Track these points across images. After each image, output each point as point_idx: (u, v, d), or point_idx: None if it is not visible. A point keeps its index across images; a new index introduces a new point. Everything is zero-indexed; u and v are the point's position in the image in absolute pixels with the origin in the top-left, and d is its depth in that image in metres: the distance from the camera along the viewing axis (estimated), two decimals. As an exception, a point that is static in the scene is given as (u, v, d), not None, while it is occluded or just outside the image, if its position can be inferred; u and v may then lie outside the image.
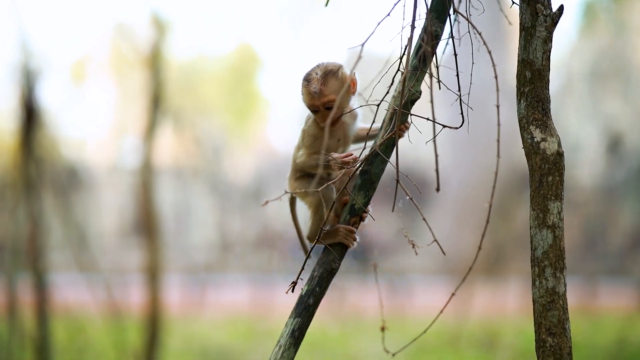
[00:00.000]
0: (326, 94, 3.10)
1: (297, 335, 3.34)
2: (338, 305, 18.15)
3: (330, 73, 3.11)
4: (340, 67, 3.16)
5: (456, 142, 22.61)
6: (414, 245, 3.25)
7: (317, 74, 3.10)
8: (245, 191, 31.53)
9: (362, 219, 3.37)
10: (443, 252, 3.25)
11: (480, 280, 15.62)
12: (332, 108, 3.10)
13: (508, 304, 17.11)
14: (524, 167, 14.48)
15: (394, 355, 3.55)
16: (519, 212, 15.92)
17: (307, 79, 3.12)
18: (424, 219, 3.27)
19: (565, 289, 3.24)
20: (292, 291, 3.31)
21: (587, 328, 14.51)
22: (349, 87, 3.18)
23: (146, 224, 10.29)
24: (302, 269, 3.33)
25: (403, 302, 18.62)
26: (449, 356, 14.95)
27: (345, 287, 18.49)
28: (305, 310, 3.33)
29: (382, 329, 3.66)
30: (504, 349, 15.03)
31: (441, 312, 3.51)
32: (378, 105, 3.23)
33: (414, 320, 17.20)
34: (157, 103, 9.90)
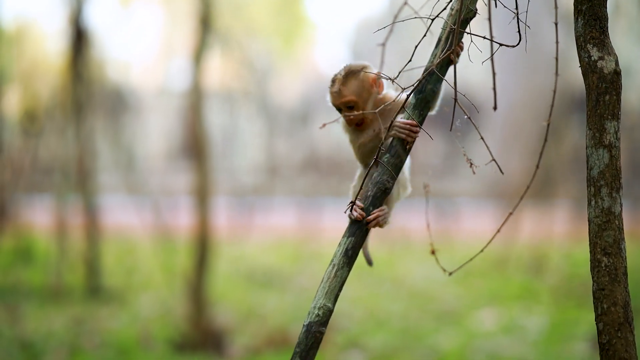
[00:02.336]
0: (345, 94, 3.14)
1: (350, 255, 3.34)
2: (386, 228, 18.17)
3: (351, 73, 3.15)
4: (363, 67, 3.19)
5: (502, 65, 22.29)
6: (471, 164, 3.21)
7: (340, 74, 3.15)
8: (292, 114, 31.53)
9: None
10: (501, 171, 3.24)
11: (528, 204, 15.55)
12: (354, 108, 3.18)
13: (556, 229, 17.05)
14: (573, 89, 14.32)
15: (450, 274, 3.55)
16: (568, 136, 15.78)
17: (332, 80, 3.17)
18: (481, 138, 3.25)
19: (621, 209, 3.23)
20: (350, 211, 3.30)
21: (634, 250, 14.45)
22: (371, 87, 3.21)
23: (194, 147, 10.32)
24: (361, 188, 3.32)
25: (450, 226, 18.64)
26: (496, 280, 14.98)
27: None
28: (358, 230, 3.32)
29: (432, 252, 3.65)
30: (551, 273, 15.01)
31: (498, 230, 3.50)
32: (432, 19, 3.19)
33: (462, 243, 17.18)
34: (205, 24, 9.85)
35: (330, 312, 3.27)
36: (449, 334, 11.09)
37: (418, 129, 3.18)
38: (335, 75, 3.20)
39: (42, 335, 10.01)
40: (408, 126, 3.18)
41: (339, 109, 3.21)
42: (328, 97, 3.21)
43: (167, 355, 9.42)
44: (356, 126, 3.22)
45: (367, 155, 3.28)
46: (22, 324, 10.57)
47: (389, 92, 3.36)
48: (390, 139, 3.17)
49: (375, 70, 3.30)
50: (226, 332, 10.05)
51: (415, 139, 3.19)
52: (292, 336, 9.85)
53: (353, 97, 3.17)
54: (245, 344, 10.04)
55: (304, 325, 3.24)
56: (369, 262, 3.69)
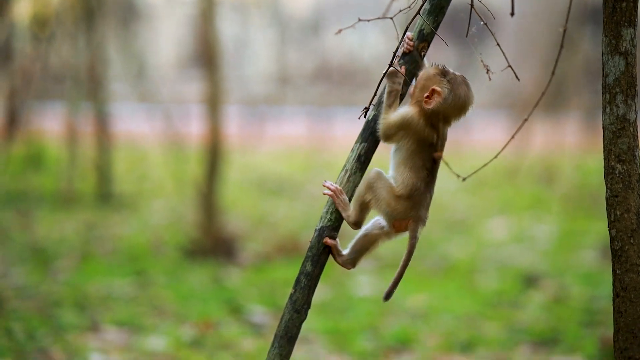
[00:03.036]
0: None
1: (362, 160, 3.24)
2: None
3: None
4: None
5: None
6: (488, 70, 3.09)
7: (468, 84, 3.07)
8: (303, 23, 31.14)
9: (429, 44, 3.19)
10: (517, 78, 3.14)
11: (540, 116, 15.39)
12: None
13: (567, 139, 16.92)
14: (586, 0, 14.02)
15: (464, 180, 3.44)
16: (581, 47, 15.53)
17: (469, 85, 3.08)
18: (497, 44, 3.14)
19: (636, 117, 3.17)
20: (365, 117, 3.18)
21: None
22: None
23: (206, 56, 10.14)
24: (375, 94, 3.18)
25: (460, 137, 18.50)
26: (507, 190, 14.92)
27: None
28: (371, 136, 3.20)
29: (440, 157, 3.52)
30: (562, 183, 14.92)
31: (513, 136, 3.39)
32: None
33: (473, 153, 17.06)
34: None
35: (340, 218, 3.19)
36: (460, 242, 11.08)
37: (411, 41, 3.05)
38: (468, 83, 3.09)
39: (53, 241, 10.00)
40: (407, 39, 3.07)
41: (445, 118, 3.03)
42: (465, 92, 3.05)
43: (178, 261, 9.40)
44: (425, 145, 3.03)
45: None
46: (34, 230, 10.56)
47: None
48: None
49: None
50: (237, 239, 10.02)
51: (412, 47, 3.06)
52: (303, 243, 9.81)
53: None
54: (256, 251, 10.02)
55: (316, 229, 3.17)
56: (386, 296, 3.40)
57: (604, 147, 3.20)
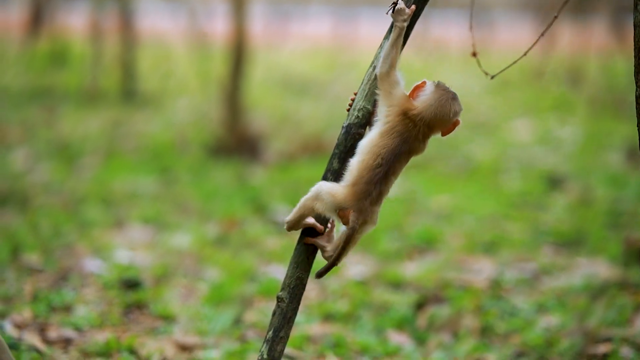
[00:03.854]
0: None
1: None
2: (421, 37, 17.80)
3: (459, 106, 2.99)
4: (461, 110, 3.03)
5: None
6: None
7: (454, 94, 2.98)
8: None
9: None
10: None
11: (566, 18, 15.05)
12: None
13: (593, 41, 16.58)
14: None
15: (492, 77, 3.29)
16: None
17: (446, 89, 2.97)
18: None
19: None
20: (393, 12, 3.02)
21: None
22: (451, 127, 3.00)
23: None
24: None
25: (486, 37, 18.16)
26: (532, 91, 14.69)
27: (428, 19, 18.03)
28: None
29: (474, 55, 3.37)
30: (588, 85, 14.66)
31: (542, 34, 3.23)
32: None
33: (498, 54, 16.74)
34: None
35: (369, 113, 3.07)
36: (484, 144, 10.94)
37: None
38: (456, 95, 2.99)
39: (78, 138, 9.94)
40: None
41: (426, 122, 2.90)
42: (434, 89, 2.92)
43: (202, 159, 9.33)
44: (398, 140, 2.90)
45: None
46: (59, 126, 10.50)
47: None
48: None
49: None
50: (261, 137, 9.92)
51: None
52: (327, 142, 9.70)
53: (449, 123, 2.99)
54: (280, 150, 9.93)
55: (343, 126, 3.05)
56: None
57: (634, 45, 3.05)
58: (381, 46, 3.08)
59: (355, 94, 3.10)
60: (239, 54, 9.68)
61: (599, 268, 6.26)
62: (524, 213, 7.79)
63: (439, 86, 3.00)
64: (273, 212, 7.45)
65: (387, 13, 3.02)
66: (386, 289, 5.66)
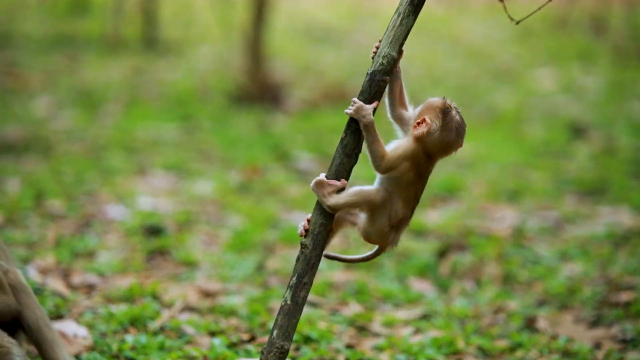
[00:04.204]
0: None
1: (416, 4, 3.02)
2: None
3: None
4: None
5: None
6: None
7: (464, 128, 2.99)
8: None
9: None
10: None
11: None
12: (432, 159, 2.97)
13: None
14: None
15: (517, 23, 3.21)
16: None
17: (462, 132, 2.98)
18: None
19: None
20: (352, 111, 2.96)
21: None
22: None
23: None
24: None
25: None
26: (555, 40, 14.50)
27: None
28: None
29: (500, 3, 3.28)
30: (612, 33, 14.43)
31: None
32: None
33: (521, 2, 16.51)
34: None
35: (394, 60, 3.01)
36: (507, 92, 10.82)
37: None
38: (464, 126, 2.99)
39: (100, 86, 9.89)
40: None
41: (430, 153, 2.91)
42: (445, 138, 2.90)
43: (225, 107, 9.28)
44: (419, 177, 2.92)
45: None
46: (81, 74, 10.46)
47: None
48: None
49: None
50: (283, 86, 9.84)
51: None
52: (349, 91, 9.62)
53: None
54: (302, 98, 9.86)
55: (367, 73, 2.99)
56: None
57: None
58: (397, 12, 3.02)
59: (380, 42, 3.04)
60: (261, 2, 9.58)
61: (621, 216, 6.20)
62: (547, 162, 7.71)
63: (450, 126, 2.97)
64: (295, 159, 7.41)
65: (345, 112, 2.96)
66: (409, 236, 5.63)
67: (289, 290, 2.91)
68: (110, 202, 5.98)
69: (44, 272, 4.58)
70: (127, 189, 6.33)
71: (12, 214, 5.51)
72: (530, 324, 4.21)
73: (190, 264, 4.94)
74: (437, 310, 4.38)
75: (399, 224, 2.99)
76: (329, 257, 3.07)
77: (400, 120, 3.04)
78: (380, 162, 2.93)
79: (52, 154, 7.10)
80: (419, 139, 2.93)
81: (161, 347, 3.55)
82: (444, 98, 2.99)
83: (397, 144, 2.97)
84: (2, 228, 5.16)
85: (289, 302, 2.90)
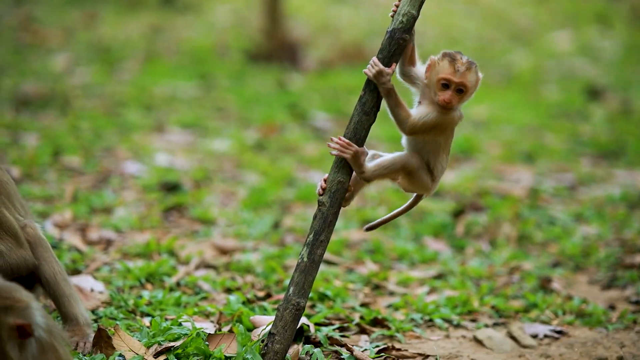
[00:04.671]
0: (468, 78, 2.96)
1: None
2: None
3: (474, 65, 2.99)
4: (477, 65, 3.02)
5: None
6: None
7: (462, 58, 2.98)
8: None
9: None
10: None
11: None
12: (463, 92, 2.96)
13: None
14: None
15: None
16: None
17: (453, 57, 2.97)
18: None
19: None
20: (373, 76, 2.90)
21: None
22: (476, 87, 3.02)
23: None
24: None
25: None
26: (572, 2, 14.32)
27: None
28: None
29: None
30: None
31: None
32: None
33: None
34: None
35: (414, 19, 2.95)
36: (523, 54, 10.72)
37: None
38: (455, 55, 2.98)
39: (118, 42, 9.84)
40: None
41: (446, 84, 2.91)
42: (438, 68, 2.90)
43: (242, 65, 9.22)
44: (444, 108, 2.91)
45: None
46: (99, 30, 10.40)
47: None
48: None
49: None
50: (300, 44, 9.77)
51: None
52: (367, 50, 9.54)
53: (469, 85, 2.97)
54: (320, 57, 9.78)
55: (387, 31, 2.93)
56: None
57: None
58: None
59: (400, 0, 2.98)
60: None
61: (637, 179, 6.14)
62: (563, 124, 7.64)
63: (449, 58, 2.93)
64: (312, 118, 7.35)
65: (364, 72, 2.92)
66: (424, 196, 5.58)
67: (305, 248, 2.88)
68: (128, 159, 5.96)
69: (61, 227, 4.57)
70: (144, 146, 6.30)
71: (30, 169, 5.49)
72: (544, 285, 4.18)
73: (207, 221, 4.91)
74: (452, 270, 4.34)
75: (440, 177, 3.06)
76: (371, 228, 3.17)
77: (409, 77, 3.02)
78: (405, 125, 2.95)
79: (69, 109, 7.07)
80: (441, 105, 2.92)
81: (177, 303, 3.53)
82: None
83: (422, 111, 2.95)
84: (20, 182, 5.15)
85: (305, 259, 2.87)
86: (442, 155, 3.02)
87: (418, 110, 2.96)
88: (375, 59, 2.92)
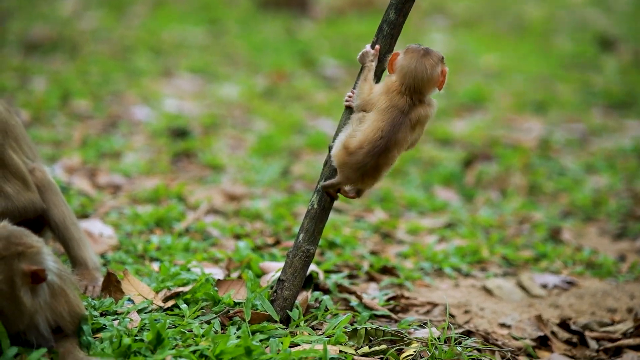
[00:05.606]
0: (431, 74, 2.81)
1: None
2: None
3: (436, 57, 2.85)
4: (442, 58, 2.89)
5: None
6: None
7: (433, 53, 2.84)
8: None
9: None
10: None
11: None
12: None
13: None
14: None
15: None
16: None
17: (423, 49, 2.86)
18: None
19: None
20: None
21: None
22: (439, 81, 2.85)
23: None
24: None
25: None
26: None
27: None
28: None
29: None
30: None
31: None
32: None
33: None
34: None
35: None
36: (535, 3, 10.59)
37: None
38: (427, 49, 2.86)
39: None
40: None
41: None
42: (403, 56, 2.78)
43: (252, 11, 9.13)
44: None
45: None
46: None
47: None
48: None
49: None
50: (310, -9, 9.66)
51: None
52: (377, -2, 9.43)
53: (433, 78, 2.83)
54: (330, 4, 9.68)
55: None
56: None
57: None
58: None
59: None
60: None
61: (649, 130, 6.09)
62: (575, 74, 7.56)
63: (408, 51, 2.84)
64: (322, 66, 7.28)
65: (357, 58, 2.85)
66: (435, 145, 5.54)
67: (315, 195, 2.84)
68: (136, 104, 5.91)
69: (70, 171, 4.54)
70: (153, 91, 6.25)
71: (38, 113, 5.45)
72: (554, 235, 4.15)
73: (216, 167, 4.88)
74: (462, 219, 4.31)
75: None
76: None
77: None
78: (356, 104, 2.81)
79: (78, 53, 7.01)
80: (392, 78, 2.82)
81: (186, 249, 3.51)
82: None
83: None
84: (29, 126, 5.11)
85: (315, 206, 2.84)
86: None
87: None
88: (367, 46, 2.86)
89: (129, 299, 2.83)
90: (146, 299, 2.83)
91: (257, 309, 2.75)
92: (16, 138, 3.00)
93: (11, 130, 2.98)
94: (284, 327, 2.71)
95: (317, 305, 2.97)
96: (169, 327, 2.56)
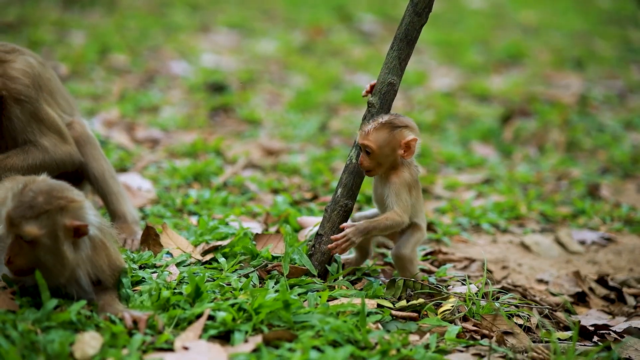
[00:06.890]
0: (370, 139, 2.76)
1: None
2: None
3: (388, 125, 2.78)
4: (405, 126, 2.79)
5: None
6: None
7: (382, 119, 2.79)
8: None
9: None
10: None
11: None
12: (369, 155, 2.77)
13: None
14: None
15: None
16: None
17: (370, 120, 2.80)
18: None
19: None
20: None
21: None
22: (398, 148, 2.77)
23: None
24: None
25: None
26: None
27: None
28: None
29: None
30: None
31: None
32: None
33: None
34: None
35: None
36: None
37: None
38: (377, 118, 2.79)
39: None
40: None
41: (358, 146, 2.75)
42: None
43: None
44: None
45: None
46: None
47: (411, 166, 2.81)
48: None
49: (417, 134, 2.80)
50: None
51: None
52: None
53: (373, 146, 2.76)
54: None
55: None
56: None
57: None
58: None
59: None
60: None
61: (689, 87, 5.97)
62: (613, 30, 7.41)
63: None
64: (359, 21, 7.20)
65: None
66: (472, 101, 5.47)
67: (354, 149, 2.80)
68: (174, 59, 5.88)
69: (108, 125, 4.53)
70: (190, 46, 6.22)
71: (77, 67, 5.44)
72: (593, 192, 4.09)
73: (254, 122, 4.85)
74: (500, 175, 4.26)
75: None
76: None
77: None
78: (400, 219, 2.77)
79: (116, 8, 6.98)
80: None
81: (224, 203, 3.50)
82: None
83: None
84: (67, 80, 5.10)
85: (354, 160, 2.80)
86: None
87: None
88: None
89: (168, 253, 2.82)
90: (184, 252, 2.82)
91: (295, 263, 2.73)
92: (51, 92, 2.98)
93: (45, 84, 2.95)
94: (322, 281, 2.69)
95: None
96: (208, 281, 2.55)
